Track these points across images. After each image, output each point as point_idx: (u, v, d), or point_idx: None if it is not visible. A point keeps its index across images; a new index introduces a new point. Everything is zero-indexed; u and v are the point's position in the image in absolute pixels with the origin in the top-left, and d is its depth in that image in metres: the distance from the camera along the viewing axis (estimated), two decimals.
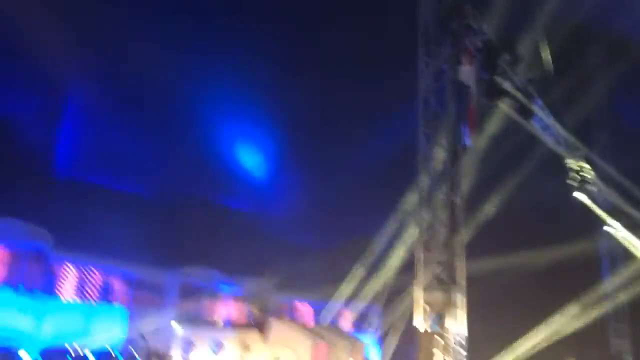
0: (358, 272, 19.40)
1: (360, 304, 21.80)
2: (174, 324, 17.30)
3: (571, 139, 14.67)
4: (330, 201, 20.31)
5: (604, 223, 17.17)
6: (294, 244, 20.62)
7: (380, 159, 18.41)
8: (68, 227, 16.63)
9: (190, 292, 21.60)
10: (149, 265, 18.94)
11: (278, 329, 17.16)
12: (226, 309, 22.69)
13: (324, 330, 18.93)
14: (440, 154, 10.98)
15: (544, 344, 15.47)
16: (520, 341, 15.39)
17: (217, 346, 16.90)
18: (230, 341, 17.16)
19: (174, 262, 18.95)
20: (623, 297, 17.52)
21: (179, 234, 18.09)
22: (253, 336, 17.37)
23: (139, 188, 19.45)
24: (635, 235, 17.06)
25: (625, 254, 17.47)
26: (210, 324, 19.52)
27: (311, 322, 23.33)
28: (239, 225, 20.13)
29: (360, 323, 23.98)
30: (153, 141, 18.80)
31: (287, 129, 20.49)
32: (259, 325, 18.35)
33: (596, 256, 18.58)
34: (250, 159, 21.45)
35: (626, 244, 17.42)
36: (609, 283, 17.98)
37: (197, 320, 19.40)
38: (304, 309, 26.04)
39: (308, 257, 19.52)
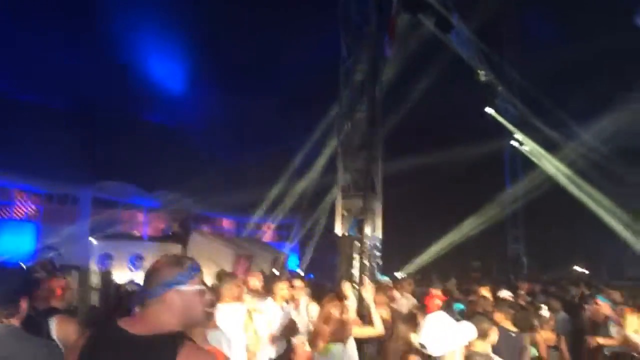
0: (278, 184, 19.69)
1: (280, 216, 22.31)
2: (90, 237, 16.86)
3: (483, 53, 15.22)
4: (250, 114, 19.99)
5: (510, 134, 18.41)
6: (213, 158, 20.35)
7: (302, 71, 18.14)
8: None
9: (105, 205, 21.03)
10: (62, 179, 18.12)
11: (198, 241, 17.12)
12: (144, 222, 22.41)
13: (245, 242, 19.20)
14: (360, 66, 10.95)
15: (450, 248, 16.67)
16: (429, 245, 16.50)
17: (137, 259, 16.73)
18: (150, 254, 17.00)
19: (89, 176, 18.20)
20: (519, 204, 19.02)
21: (94, 148, 17.25)
22: (173, 249, 17.29)
23: (53, 100, 18.08)
24: (539, 147, 18.46)
25: (526, 164, 18.94)
26: (128, 237, 19.22)
27: (232, 235, 23.67)
28: (156, 138, 19.46)
29: (280, 234, 24.69)
30: (67, 53, 17.32)
31: (205, 42, 19.56)
32: (178, 238, 18.27)
33: (501, 163, 19.97)
34: (168, 71, 20.45)
35: (529, 155, 18.86)
36: (509, 191, 19.43)
37: (114, 233, 19.02)
38: (225, 222, 26.29)
39: (227, 171, 19.39)
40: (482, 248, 17.12)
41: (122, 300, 7.79)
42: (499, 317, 5.17)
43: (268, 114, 19.45)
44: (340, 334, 4.85)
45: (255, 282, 7.08)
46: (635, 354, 5.45)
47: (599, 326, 6.57)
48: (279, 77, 19.32)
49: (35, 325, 2.88)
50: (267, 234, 24.01)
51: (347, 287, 5.50)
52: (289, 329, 6.14)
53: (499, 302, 5.94)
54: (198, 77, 21.09)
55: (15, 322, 2.58)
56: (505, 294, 7.42)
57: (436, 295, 7.97)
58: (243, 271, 11.68)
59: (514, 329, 5.21)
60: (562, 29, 16.71)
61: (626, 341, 5.68)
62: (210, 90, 20.17)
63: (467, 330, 2.92)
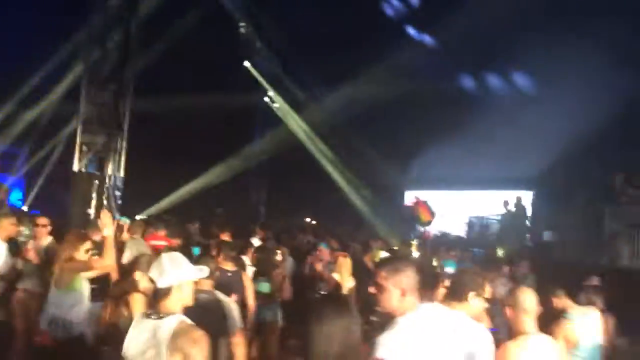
0: (5, 105, 16.76)
1: (4, 143, 19.24)
2: None
3: (248, 7, 15.37)
4: None
5: (265, 91, 19.17)
6: None
7: None
8: None
9: None
10: None
11: None
12: None
13: None
14: None
15: (195, 194, 16.74)
16: (174, 189, 16.28)
17: None
18: None
19: None
20: (264, 157, 20.14)
21: None
22: None
23: None
24: (288, 105, 19.67)
25: (276, 121, 20.01)
26: None
27: None
28: None
29: (2, 164, 21.32)
30: None
31: None
32: None
33: (252, 116, 20.74)
34: None
35: (279, 113, 19.97)
36: (256, 143, 20.38)
37: None
38: None
39: None
40: (226, 196, 17.62)
41: None
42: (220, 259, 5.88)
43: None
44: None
45: None
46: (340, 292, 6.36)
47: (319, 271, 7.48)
48: None
49: None
50: None
51: (105, 216, 5.06)
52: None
53: (224, 245, 6.32)
54: None
55: None
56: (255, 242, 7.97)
57: (159, 237, 8.06)
58: None
59: (233, 269, 6.06)
60: None
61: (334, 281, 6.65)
62: None
63: (195, 269, 3.14)
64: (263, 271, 6.82)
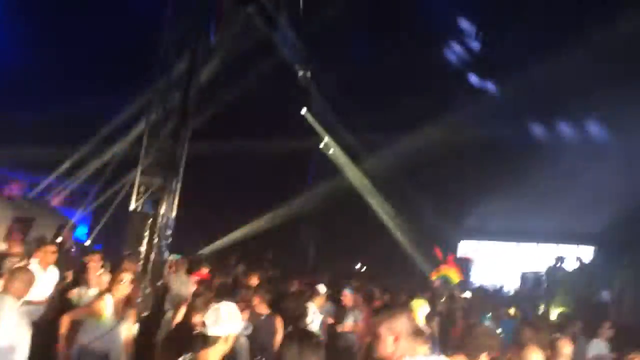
0: (80, 149, 18.29)
1: (77, 181, 20.75)
2: None
3: (306, 55, 16.07)
4: (63, 65, 18.18)
5: (321, 135, 19.63)
6: (9, 102, 18.07)
7: (122, 39, 17.07)
8: None
9: None
10: None
11: None
12: None
13: (31, 204, 17.59)
14: (183, 52, 10.84)
15: (246, 236, 17.23)
16: (228, 231, 16.85)
17: None
18: None
19: None
20: (317, 204, 20.36)
21: None
22: None
23: None
24: (344, 153, 20.02)
25: (331, 168, 20.34)
26: None
27: (15, 194, 21.33)
28: None
29: (72, 200, 22.89)
30: None
31: None
32: None
33: (307, 164, 21.18)
34: None
35: (334, 159, 20.35)
36: (309, 189, 20.71)
37: None
38: (10, 179, 23.57)
39: (23, 121, 17.43)
40: (276, 239, 17.96)
41: None
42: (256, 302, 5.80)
43: (80, 68, 17.94)
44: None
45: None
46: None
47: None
48: (98, 34, 17.90)
49: None
50: (58, 199, 22.12)
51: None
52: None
53: (259, 289, 6.52)
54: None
55: None
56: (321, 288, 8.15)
57: (203, 275, 8.38)
58: (19, 235, 10.75)
59: (266, 312, 6.02)
60: (380, 44, 18.04)
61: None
62: (14, 35, 17.89)
63: (242, 324, 3.29)
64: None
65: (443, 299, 11.04)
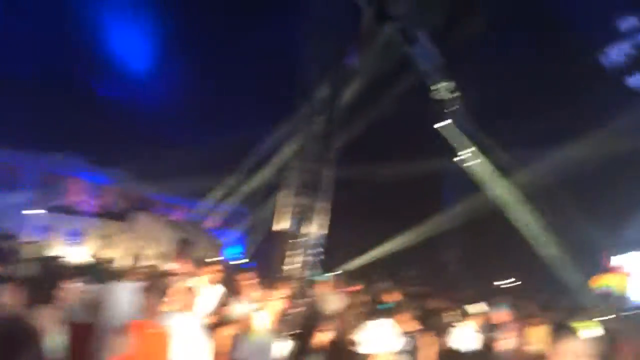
0: (233, 174, 19.70)
1: (229, 204, 22.31)
2: (29, 208, 16.43)
3: (444, 68, 15.75)
4: (211, 101, 19.90)
5: (460, 149, 18.97)
6: (167, 140, 20.16)
7: (267, 66, 18.20)
8: None
9: (51, 178, 20.53)
10: (8, 148, 17.56)
11: (143, 221, 17.06)
12: (89, 197, 21.97)
13: (190, 226, 19.24)
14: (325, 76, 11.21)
15: (388, 254, 17.17)
16: (370, 249, 16.95)
17: (76, 235, 16.48)
18: (90, 229, 16.81)
19: (34, 146, 17.72)
20: (457, 218, 19.69)
21: (44, 117, 16.74)
22: (115, 227, 17.17)
23: (4, 70, 17.33)
24: (487, 166, 19.18)
25: (472, 183, 19.63)
26: (68, 211, 18.85)
27: (177, 218, 23.47)
28: (112, 115, 19.07)
29: (227, 222, 24.63)
30: (26, 21, 16.72)
31: (170, 22, 19.31)
32: (122, 216, 18.12)
33: (447, 179, 20.67)
34: (130, 48, 20.06)
35: (475, 173, 19.55)
36: (451, 206, 20.11)
37: (54, 206, 18.61)
38: (171, 204, 26.03)
39: (180, 153, 19.26)
40: (418, 256, 17.70)
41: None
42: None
43: (229, 102, 19.43)
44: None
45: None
46: None
47: None
48: (243, 67, 19.29)
49: None
50: (213, 221, 23.93)
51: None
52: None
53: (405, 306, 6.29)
54: (162, 57, 20.81)
55: None
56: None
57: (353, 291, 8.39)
58: (183, 255, 11.72)
59: (413, 329, 5.59)
60: (522, 54, 17.27)
61: None
62: (172, 72, 19.93)
63: (395, 342, 3.20)
64: None
65: (606, 316, 9.92)
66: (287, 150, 14.08)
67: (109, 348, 3.38)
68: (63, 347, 3.78)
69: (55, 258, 11.49)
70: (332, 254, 12.30)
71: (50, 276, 4.24)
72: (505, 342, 6.79)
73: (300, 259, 10.09)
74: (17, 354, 1.58)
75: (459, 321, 6.93)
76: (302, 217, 10.92)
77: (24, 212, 16.55)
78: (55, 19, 16.93)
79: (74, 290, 3.95)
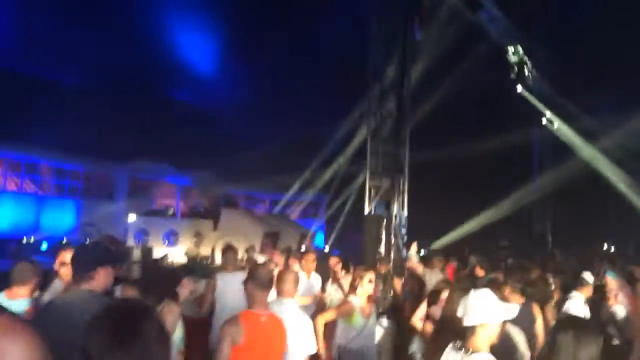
0: (310, 166, 20.17)
1: (309, 194, 22.78)
2: (130, 214, 17.55)
3: (514, 31, 15.14)
4: (282, 98, 20.27)
5: (541, 114, 18.20)
6: (246, 139, 20.78)
7: (333, 54, 18.25)
8: (9, 120, 16.01)
9: (140, 184, 21.84)
10: (100, 158, 18.82)
11: (229, 217, 17.74)
12: (178, 199, 23.15)
13: (274, 219, 19.76)
14: (392, 55, 11.15)
15: (478, 229, 16.89)
16: (456, 226, 16.75)
17: (172, 235, 17.42)
18: (183, 230, 17.68)
19: (123, 155, 18.83)
20: (547, 187, 18.95)
21: (126, 127, 17.75)
22: (205, 225, 17.98)
23: (89, 81, 18.50)
24: (569, 127, 18.29)
25: (557, 147, 18.78)
26: (162, 214, 19.94)
27: (262, 212, 24.25)
28: (190, 119, 19.91)
29: (308, 211, 25.17)
30: (93, 29, 17.71)
31: (240, 23, 19.76)
32: (210, 215, 18.95)
33: (529, 148, 19.92)
34: (198, 49, 20.79)
35: (560, 137, 18.70)
36: (537, 173, 19.39)
37: (149, 210, 19.77)
38: (256, 200, 26.93)
39: (260, 151, 19.82)
40: (509, 228, 17.26)
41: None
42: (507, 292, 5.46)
43: (300, 98, 19.71)
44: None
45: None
46: None
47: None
48: (311, 62, 19.42)
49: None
50: (296, 212, 24.53)
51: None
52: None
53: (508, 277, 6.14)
54: (230, 56, 21.37)
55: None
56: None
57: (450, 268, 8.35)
58: (270, 247, 12.18)
59: (520, 301, 5.44)
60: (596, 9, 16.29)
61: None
62: (244, 72, 20.41)
63: (501, 310, 3.11)
64: None
65: None
66: (360, 135, 14.15)
67: (224, 339, 3.55)
68: (181, 341, 4.04)
69: (163, 258, 12.34)
70: (415, 233, 12.29)
71: (165, 276, 4.56)
72: (617, 308, 6.57)
73: (389, 240, 10.16)
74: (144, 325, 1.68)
75: (565, 291, 6.74)
76: (384, 198, 10.97)
77: (123, 218, 17.70)
78: (132, 33, 17.78)
79: (187, 286, 4.24)
